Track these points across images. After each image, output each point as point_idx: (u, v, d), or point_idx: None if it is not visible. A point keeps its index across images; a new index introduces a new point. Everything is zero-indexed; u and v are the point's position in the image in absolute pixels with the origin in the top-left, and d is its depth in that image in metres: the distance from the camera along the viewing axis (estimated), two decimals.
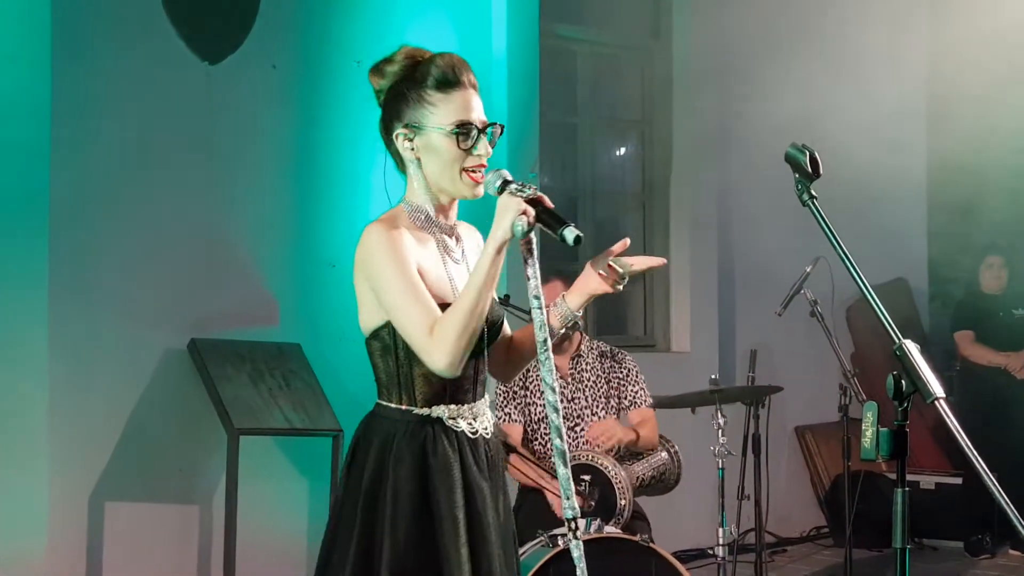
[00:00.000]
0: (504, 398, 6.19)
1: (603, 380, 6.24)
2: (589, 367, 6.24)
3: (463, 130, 3.46)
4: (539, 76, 8.77)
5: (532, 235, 3.28)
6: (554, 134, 9.36)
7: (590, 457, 5.84)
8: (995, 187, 11.18)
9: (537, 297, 3.28)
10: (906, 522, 2.87)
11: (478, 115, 3.51)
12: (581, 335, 6.33)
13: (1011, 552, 9.50)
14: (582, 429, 6.15)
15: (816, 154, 3.11)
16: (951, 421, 2.80)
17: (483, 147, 3.48)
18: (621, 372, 6.28)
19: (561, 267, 6.70)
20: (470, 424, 3.49)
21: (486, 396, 3.61)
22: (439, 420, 3.45)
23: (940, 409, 2.80)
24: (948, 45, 10.38)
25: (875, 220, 10.13)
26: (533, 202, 3.34)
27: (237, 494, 6.54)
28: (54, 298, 6.45)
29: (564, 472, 3.20)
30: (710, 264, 9.88)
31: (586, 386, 6.20)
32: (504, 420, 6.15)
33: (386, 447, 3.45)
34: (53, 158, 6.48)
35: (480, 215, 3.68)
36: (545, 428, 6.14)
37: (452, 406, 3.47)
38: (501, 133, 3.57)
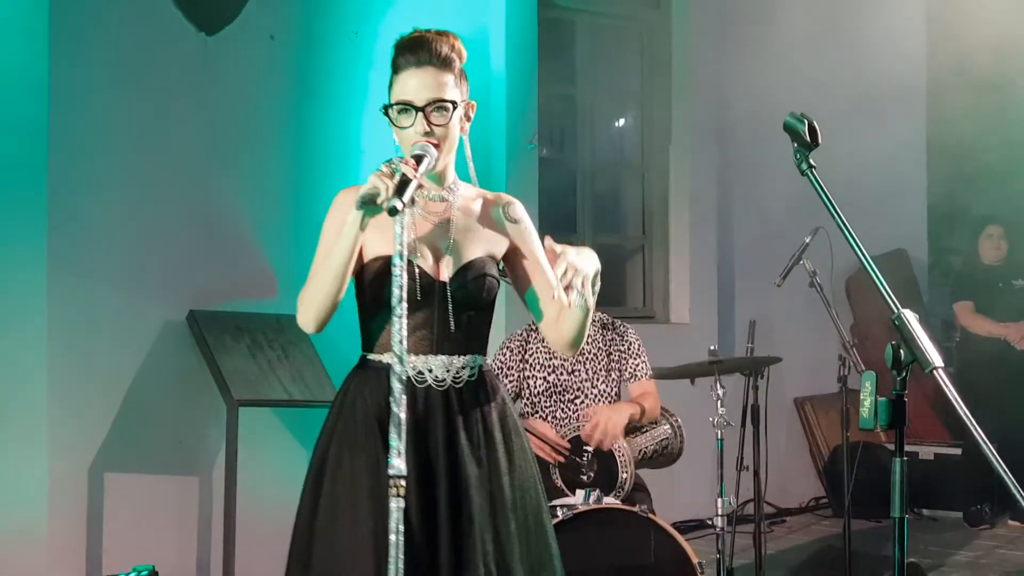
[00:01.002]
0: (500, 372, 6.19)
1: (604, 352, 6.23)
2: (590, 339, 6.22)
3: (396, 109, 3.61)
4: (538, 47, 8.75)
5: (398, 205, 3.26)
6: (553, 105, 9.34)
7: None
8: (995, 157, 11.17)
9: (400, 254, 3.27)
10: (904, 491, 2.87)
11: (425, 93, 3.59)
12: None
13: (1010, 522, 9.52)
14: (582, 401, 6.14)
15: (815, 123, 3.10)
16: (949, 390, 2.80)
17: (420, 125, 3.58)
18: (623, 345, 6.27)
19: (558, 237, 6.70)
20: (419, 373, 3.58)
21: (465, 357, 3.66)
22: (389, 366, 3.49)
23: (939, 379, 2.80)
24: (948, 16, 10.36)
25: (874, 191, 10.13)
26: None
27: (237, 465, 6.55)
28: (53, 271, 6.45)
29: (394, 434, 3.19)
30: (709, 235, 9.87)
31: (586, 358, 6.19)
32: None
33: (345, 394, 3.69)
34: (51, 131, 6.47)
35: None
36: (545, 401, 6.14)
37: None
38: (453, 110, 3.63)
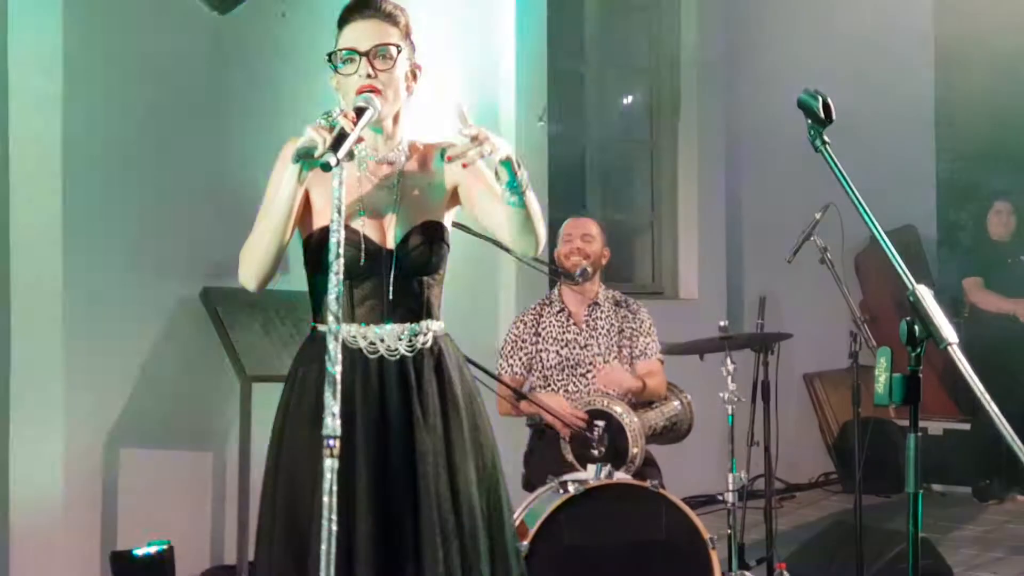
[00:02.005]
0: (512, 347, 6.23)
1: (615, 328, 6.26)
2: (604, 315, 6.27)
3: (340, 56, 3.61)
4: (547, 23, 8.75)
5: (331, 160, 3.24)
6: (562, 81, 9.35)
7: (605, 403, 5.87)
8: (1003, 133, 11.17)
9: (338, 209, 3.23)
10: (918, 467, 2.88)
11: (368, 41, 3.60)
12: (598, 284, 6.36)
13: (1018, 497, 9.56)
14: (593, 376, 6.18)
15: (829, 100, 3.11)
16: (965, 367, 2.78)
17: (363, 70, 3.57)
18: (635, 323, 6.31)
19: (567, 213, 6.77)
20: (370, 343, 3.58)
21: (418, 324, 3.64)
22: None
23: (953, 355, 2.80)
24: None
25: (883, 167, 10.13)
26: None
27: (251, 440, 6.57)
28: (68, 248, 6.47)
29: (328, 394, 3.12)
30: (718, 211, 9.88)
31: (600, 334, 6.23)
32: (505, 372, 6.18)
33: (298, 366, 3.69)
34: (65, 110, 6.48)
35: None
36: (558, 374, 6.19)
37: (353, 325, 3.58)
38: (399, 53, 3.62)
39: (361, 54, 3.58)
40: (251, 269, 3.67)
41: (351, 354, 3.55)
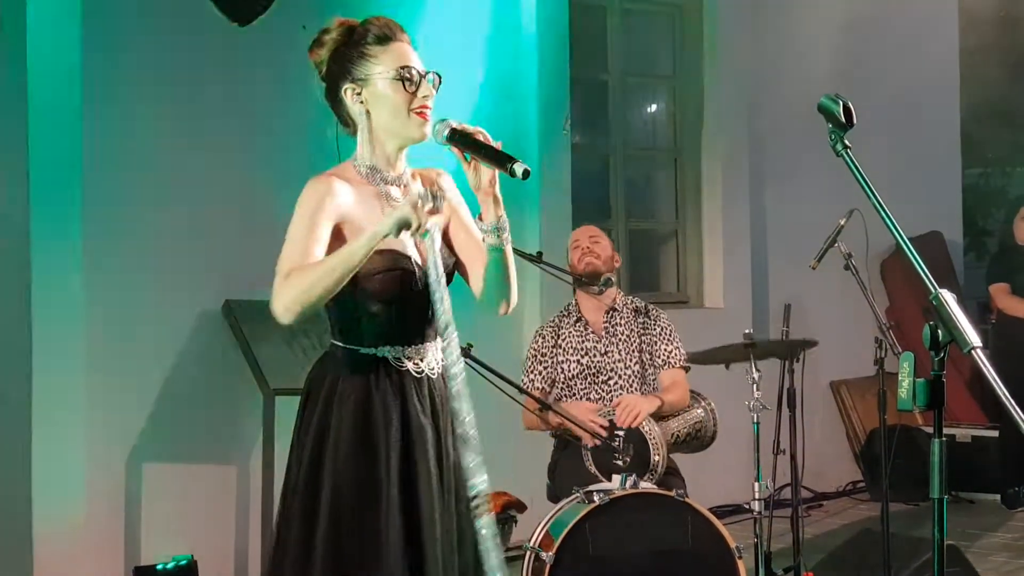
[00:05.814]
0: (532, 362, 6.22)
1: (636, 336, 6.24)
2: (624, 322, 6.25)
3: (407, 73, 3.60)
4: (569, 32, 8.74)
5: (432, 229, 3.38)
6: (585, 91, 9.34)
7: None
8: None
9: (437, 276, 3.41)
10: (944, 472, 2.85)
11: (421, 65, 3.65)
12: (616, 290, 6.34)
13: None
14: (615, 382, 6.15)
15: (850, 104, 3.09)
16: (988, 371, 2.77)
17: (425, 89, 3.60)
18: (655, 330, 6.27)
19: (591, 223, 6.75)
20: (416, 364, 3.61)
21: (439, 339, 3.64)
22: (384, 359, 3.58)
23: (977, 359, 2.77)
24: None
25: (908, 173, 10.10)
26: (475, 145, 3.45)
27: (274, 453, 6.56)
28: (88, 262, 6.48)
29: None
30: (743, 219, 9.85)
31: (619, 339, 6.20)
32: (527, 386, 6.15)
33: (334, 385, 3.61)
34: (85, 122, 6.50)
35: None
36: (580, 383, 6.17)
37: (398, 347, 3.60)
38: (440, 83, 3.65)
39: (421, 75, 3.62)
40: (298, 308, 3.45)
41: (400, 377, 3.60)
